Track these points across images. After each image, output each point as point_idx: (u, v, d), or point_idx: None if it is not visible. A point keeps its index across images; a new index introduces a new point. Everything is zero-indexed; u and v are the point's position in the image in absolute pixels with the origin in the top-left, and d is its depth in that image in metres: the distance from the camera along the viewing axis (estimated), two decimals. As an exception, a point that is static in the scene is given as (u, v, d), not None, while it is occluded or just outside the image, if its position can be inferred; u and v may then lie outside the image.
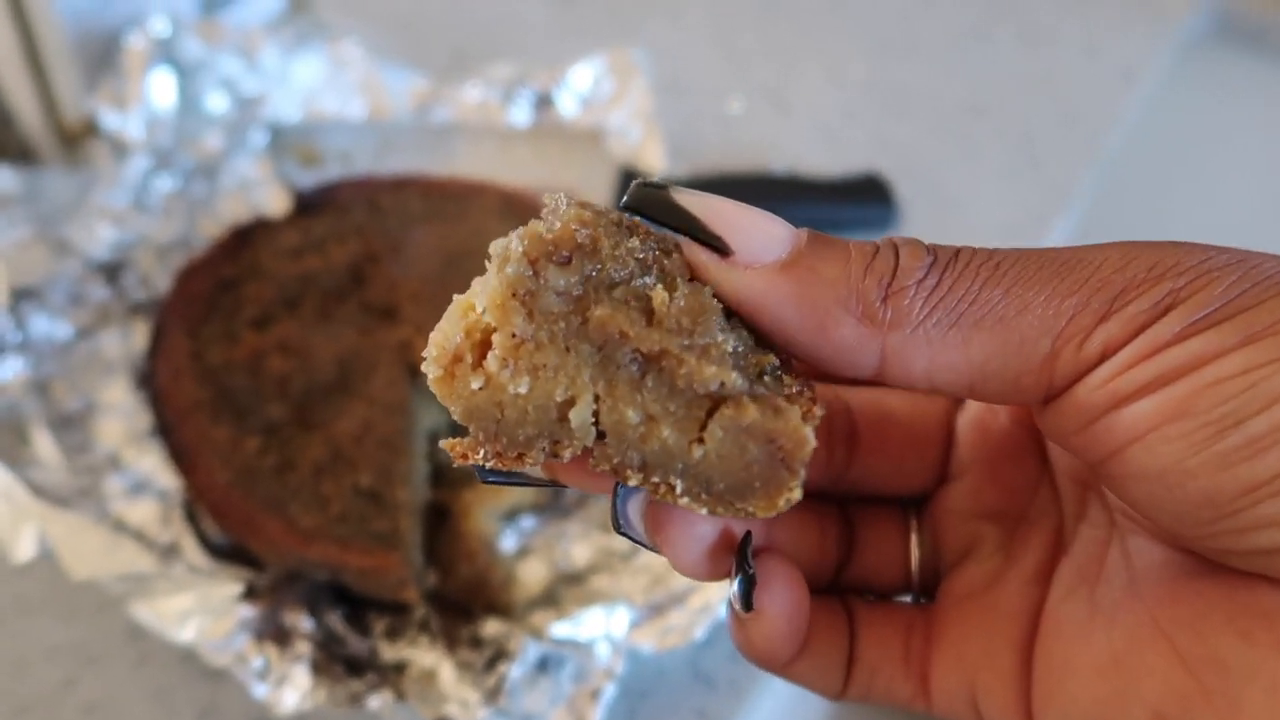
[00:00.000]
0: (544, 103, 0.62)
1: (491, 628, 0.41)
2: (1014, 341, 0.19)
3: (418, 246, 0.49)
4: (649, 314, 0.21)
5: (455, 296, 0.21)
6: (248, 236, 0.48)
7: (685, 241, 0.22)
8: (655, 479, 0.21)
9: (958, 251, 0.21)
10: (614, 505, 0.23)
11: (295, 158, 0.58)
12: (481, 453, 0.21)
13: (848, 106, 0.70)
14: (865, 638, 0.25)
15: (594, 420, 0.21)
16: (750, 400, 0.20)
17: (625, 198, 0.22)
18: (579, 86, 0.61)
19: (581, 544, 0.45)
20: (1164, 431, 0.18)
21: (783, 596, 0.23)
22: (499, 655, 0.40)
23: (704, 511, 0.21)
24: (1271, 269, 0.19)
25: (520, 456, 0.21)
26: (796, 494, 0.21)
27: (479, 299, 0.21)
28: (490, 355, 0.20)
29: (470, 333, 0.21)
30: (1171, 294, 0.19)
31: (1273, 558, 0.19)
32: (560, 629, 0.39)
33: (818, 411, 0.21)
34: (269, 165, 0.57)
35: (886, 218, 0.59)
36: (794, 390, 0.21)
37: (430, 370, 0.21)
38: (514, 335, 0.20)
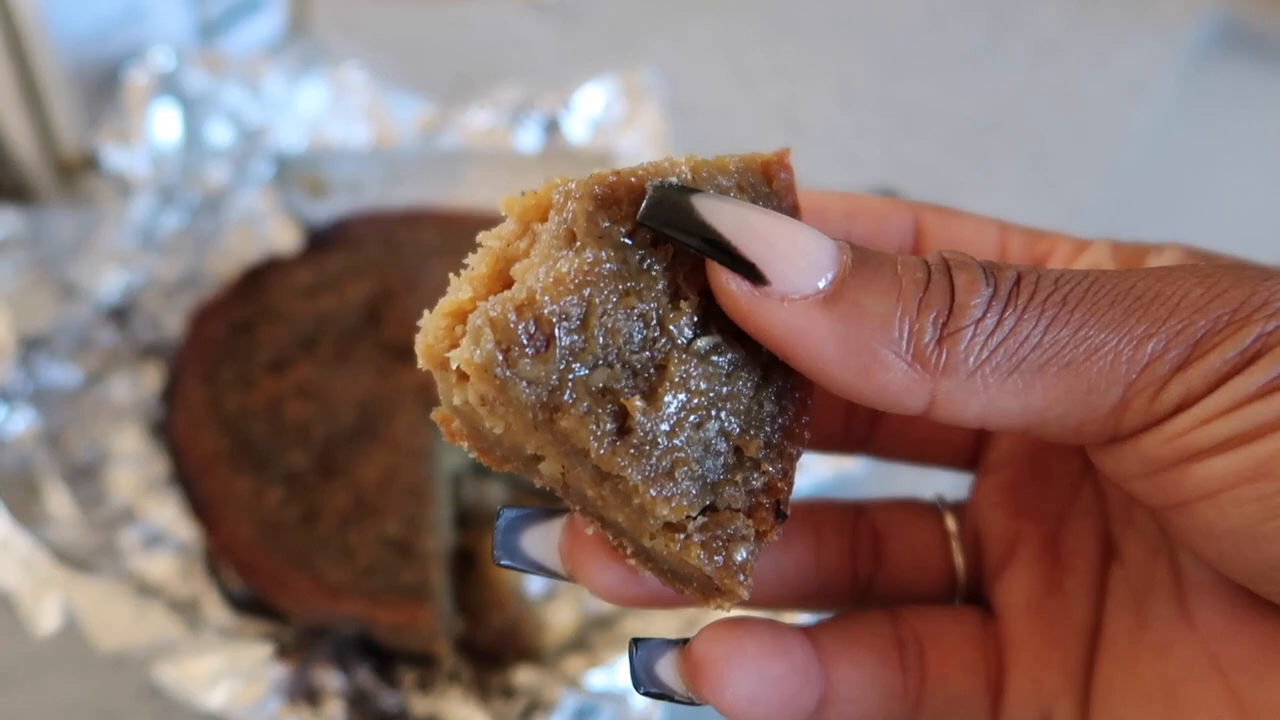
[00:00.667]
0: (553, 126, 0.61)
1: (524, 676, 0.40)
2: (1080, 389, 0.18)
3: (434, 282, 0.48)
4: (624, 418, 0.19)
5: (451, 278, 0.20)
6: (260, 276, 0.47)
7: (711, 264, 0.19)
8: (609, 534, 0.21)
9: (1019, 278, 0.19)
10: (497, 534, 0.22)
11: (302, 188, 0.57)
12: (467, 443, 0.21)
13: (859, 125, 0.69)
14: (936, 652, 0.23)
15: (561, 473, 0.20)
16: (697, 544, 0.19)
17: (643, 206, 0.19)
18: (589, 109, 0.60)
19: (611, 587, 0.44)
20: (1239, 492, 0.17)
21: (736, 679, 0.20)
22: (534, 706, 0.39)
23: (646, 574, 0.21)
24: None
25: (501, 462, 0.21)
26: (730, 609, 0.20)
27: (463, 291, 0.19)
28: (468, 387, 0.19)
29: (452, 343, 0.19)
30: (1260, 339, 0.17)
31: None
32: (596, 678, 0.39)
33: (775, 534, 0.20)
34: (275, 197, 0.56)
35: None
36: (766, 483, 0.20)
37: (420, 361, 0.20)
38: (482, 398, 0.19)
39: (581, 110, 0.60)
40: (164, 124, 0.52)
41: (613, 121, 0.60)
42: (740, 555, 0.19)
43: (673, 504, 0.19)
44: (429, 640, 0.38)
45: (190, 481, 0.40)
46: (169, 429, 0.42)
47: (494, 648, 0.41)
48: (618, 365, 0.19)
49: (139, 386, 0.46)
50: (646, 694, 0.21)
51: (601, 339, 0.19)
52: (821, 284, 0.18)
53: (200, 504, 0.40)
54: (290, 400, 0.43)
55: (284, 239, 0.54)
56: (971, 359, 0.18)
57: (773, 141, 0.73)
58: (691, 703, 0.21)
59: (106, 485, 0.43)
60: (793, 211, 0.22)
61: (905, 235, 0.24)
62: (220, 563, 0.40)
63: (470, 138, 0.60)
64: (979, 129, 0.69)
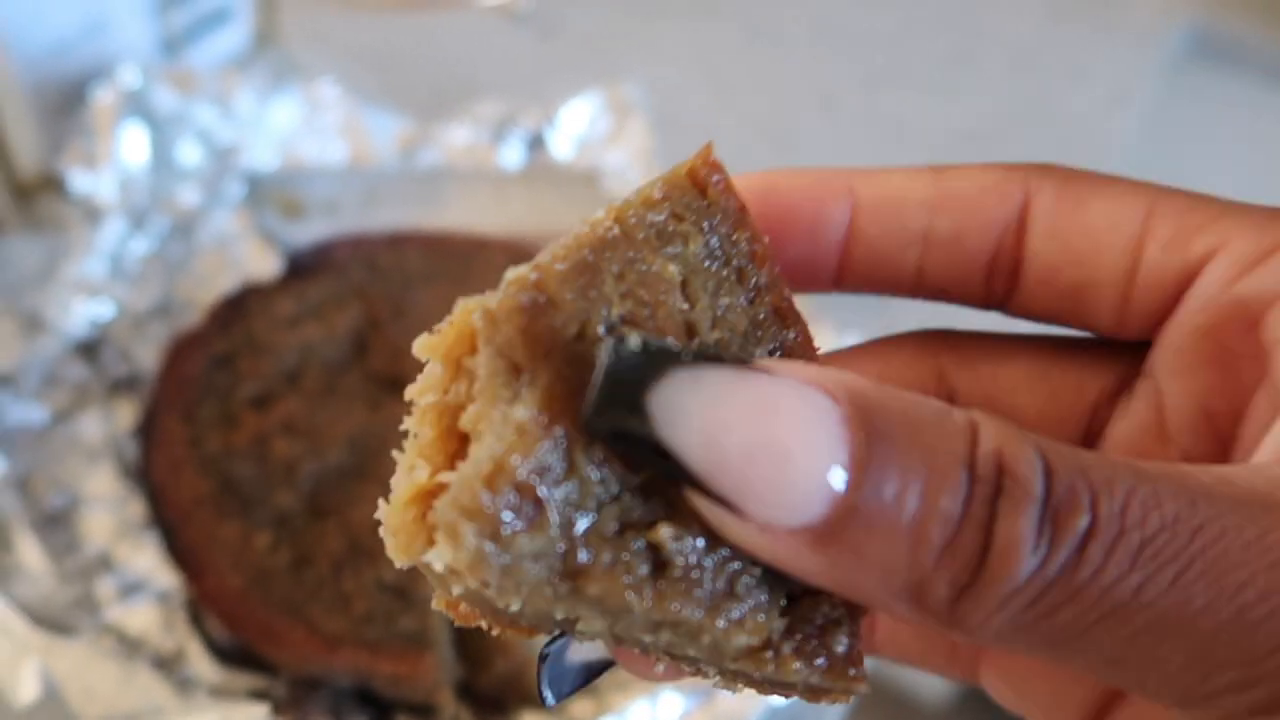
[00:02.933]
0: (536, 143, 0.59)
1: (529, 723, 0.39)
2: (1190, 657, 0.14)
3: (421, 309, 0.46)
4: (656, 552, 0.16)
5: (396, 456, 0.17)
6: (240, 305, 0.45)
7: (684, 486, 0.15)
8: (684, 666, 0.18)
9: (1091, 530, 0.14)
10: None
11: (277, 209, 0.55)
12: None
13: (843, 136, 0.68)
14: None
15: (609, 628, 0.16)
16: (789, 655, 0.16)
17: (588, 401, 0.15)
18: (573, 125, 0.59)
19: (616, 624, 0.42)
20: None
21: None
22: (542, 757, 0.37)
23: (739, 688, 0.18)
24: None
25: (533, 630, 0.18)
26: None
27: (418, 469, 0.16)
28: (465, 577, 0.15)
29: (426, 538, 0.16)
30: None
31: None
32: (606, 725, 0.37)
33: (860, 674, 0.17)
34: (249, 219, 0.53)
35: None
36: (830, 619, 0.17)
37: (397, 562, 0.16)
38: (484, 584, 0.15)
39: (565, 126, 0.59)
40: (131, 144, 0.49)
41: (598, 137, 0.58)
42: (841, 646, 0.17)
43: (748, 627, 0.16)
44: (431, 690, 0.37)
45: (171, 528, 0.38)
46: (147, 471, 0.40)
47: (497, 693, 0.40)
48: (625, 495, 0.16)
49: (111, 424, 0.44)
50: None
51: (595, 475, 0.16)
52: (812, 517, 0.14)
53: (183, 552, 0.38)
54: (276, 438, 0.41)
55: (260, 263, 0.52)
56: (998, 624, 0.14)
57: (758, 155, 0.73)
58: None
59: (79, 531, 0.40)
60: (738, 216, 0.18)
61: (1004, 228, 0.19)
62: (205, 612, 0.38)
63: (451, 155, 0.58)
64: (963, 140, 0.69)
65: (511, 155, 0.59)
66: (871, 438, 0.14)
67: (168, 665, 0.36)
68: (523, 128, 0.59)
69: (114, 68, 0.51)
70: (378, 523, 0.17)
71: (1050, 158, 0.21)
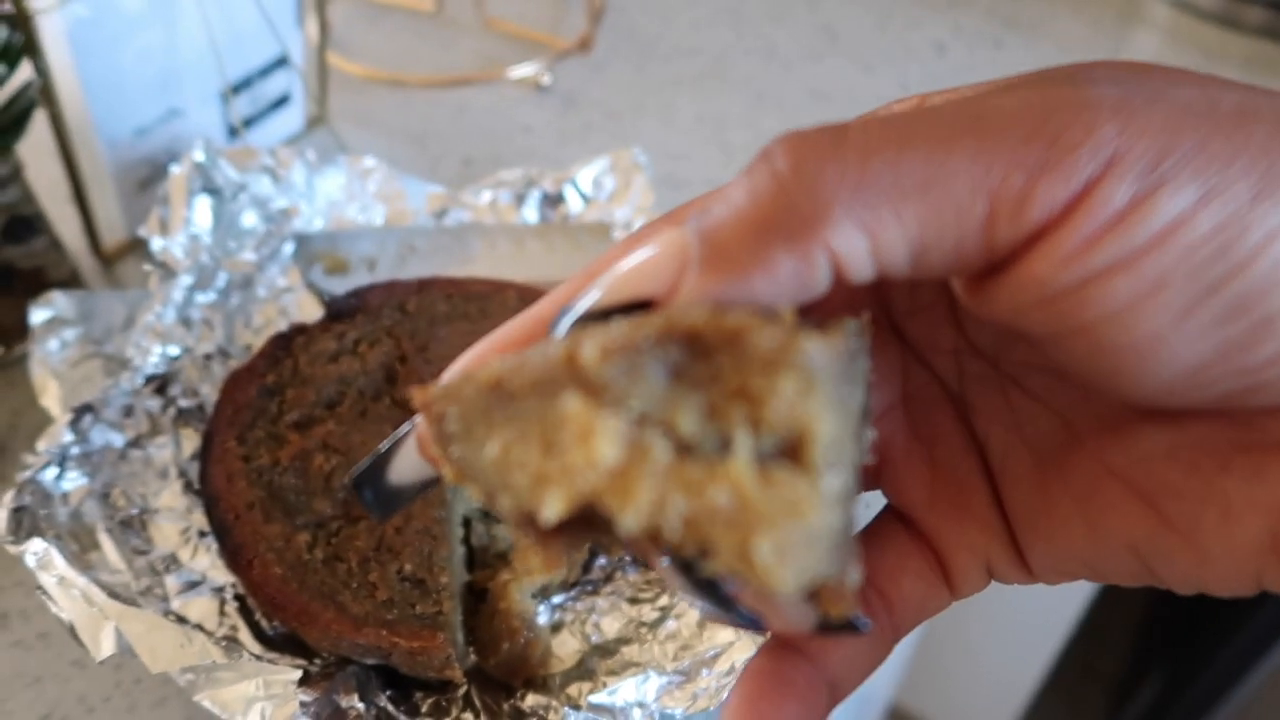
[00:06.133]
0: (553, 201, 0.66)
1: (531, 700, 0.44)
2: (947, 208, 0.17)
3: (443, 345, 0.53)
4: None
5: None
6: (287, 344, 0.52)
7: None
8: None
9: (848, 125, 0.18)
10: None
11: (323, 266, 0.62)
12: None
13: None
14: (888, 582, 0.23)
15: None
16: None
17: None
18: (584, 185, 0.66)
19: (611, 616, 0.47)
20: (1140, 307, 0.17)
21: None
22: (540, 727, 0.42)
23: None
24: (1188, 98, 0.17)
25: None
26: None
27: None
28: None
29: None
30: (1112, 145, 0.17)
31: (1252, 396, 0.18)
32: (596, 699, 0.42)
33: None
34: (299, 275, 0.61)
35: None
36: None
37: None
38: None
39: (578, 186, 0.66)
40: (199, 213, 0.57)
41: (605, 196, 0.65)
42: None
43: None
44: (444, 666, 0.42)
45: (225, 528, 0.45)
46: (205, 482, 0.46)
47: (504, 676, 0.45)
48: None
49: (178, 448, 0.51)
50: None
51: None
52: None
53: (234, 548, 0.44)
54: (316, 454, 0.48)
55: (308, 313, 0.60)
56: (841, 192, 0.17)
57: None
58: None
59: (150, 536, 0.47)
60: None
61: None
62: (252, 602, 0.44)
63: (478, 214, 0.66)
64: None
65: (530, 213, 0.66)
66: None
67: (225, 646, 0.42)
68: (539, 188, 0.66)
69: (186, 149, 0.60)
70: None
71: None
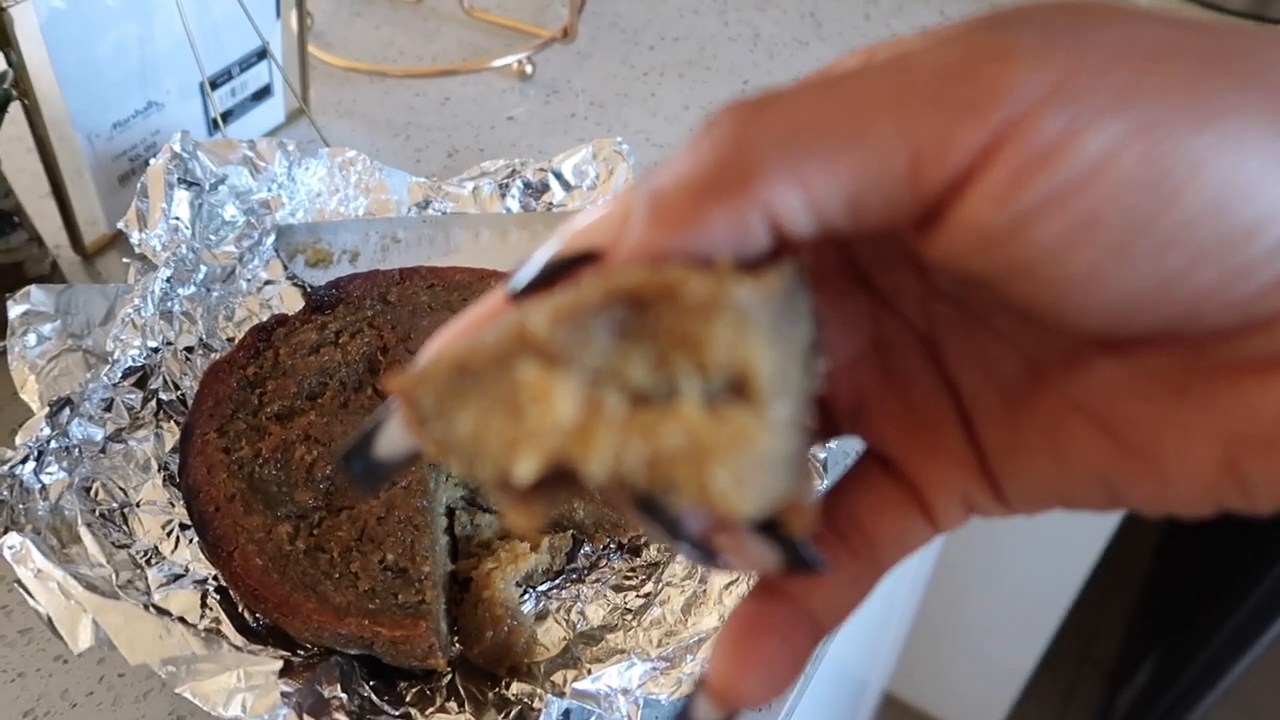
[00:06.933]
0: (536, 191, 0.66)
1: (516, 688, 0.44)
2: (875, 158, 0.18)
3: (425, 335, 0.53)
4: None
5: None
6: (268, 336, 0.52)
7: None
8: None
9: (784, 88, 0.19)
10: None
11: (305, 258, 0.62)
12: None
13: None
14: (870, 518, 0.24)
15: None
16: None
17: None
18: (567, 174, 0.65)
19: (595, 604, 0.47)
20: (1076, 244, 0.17)
21: (752, 684, 0.22)
22: (525, 713, 0.42)
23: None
24: (1112, 37, 0.18)
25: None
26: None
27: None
28: None
29: None
30: (1033, 86, 0.17)
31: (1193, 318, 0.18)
32: (580, 686, 0.42)
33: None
34: (280, 268, 0.61)
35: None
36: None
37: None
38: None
39: (561, 175, 0.65)
40: (178, 205, 0.57)
41: (588, 184, 0.65)
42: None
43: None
44: (427, 655, 0.42)
45: (205, 520, 0.44)
46: (185, 474, 0.46)
47: (489, 665, 0.45)
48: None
49: (159, 441, 0.51)
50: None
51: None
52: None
53: (214, 540, 0.44)
54: (297, 445, 0.47)
55: (290, 306, 0.59)
56: (769, 149, 0.18)
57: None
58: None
59: (131, 529, 0.47)
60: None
61: None
62: (235, 594, 0.44)
63: (460, 204, 0.65)
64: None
65: (513, 202, 0.65)
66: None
67: (205, 638, 0.42)
68: (522, 178, 0.65)
69: (166, 143, 0.59)
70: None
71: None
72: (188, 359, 0.54)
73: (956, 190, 0.18)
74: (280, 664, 0.39)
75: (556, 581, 0.48)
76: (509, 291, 0.20)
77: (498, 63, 0.81)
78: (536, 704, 0.43)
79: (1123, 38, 0.18)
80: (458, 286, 0.55)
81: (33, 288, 0.52)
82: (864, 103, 0.18)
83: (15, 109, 0.57)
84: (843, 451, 0.52)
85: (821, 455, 0.49)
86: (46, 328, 0.52)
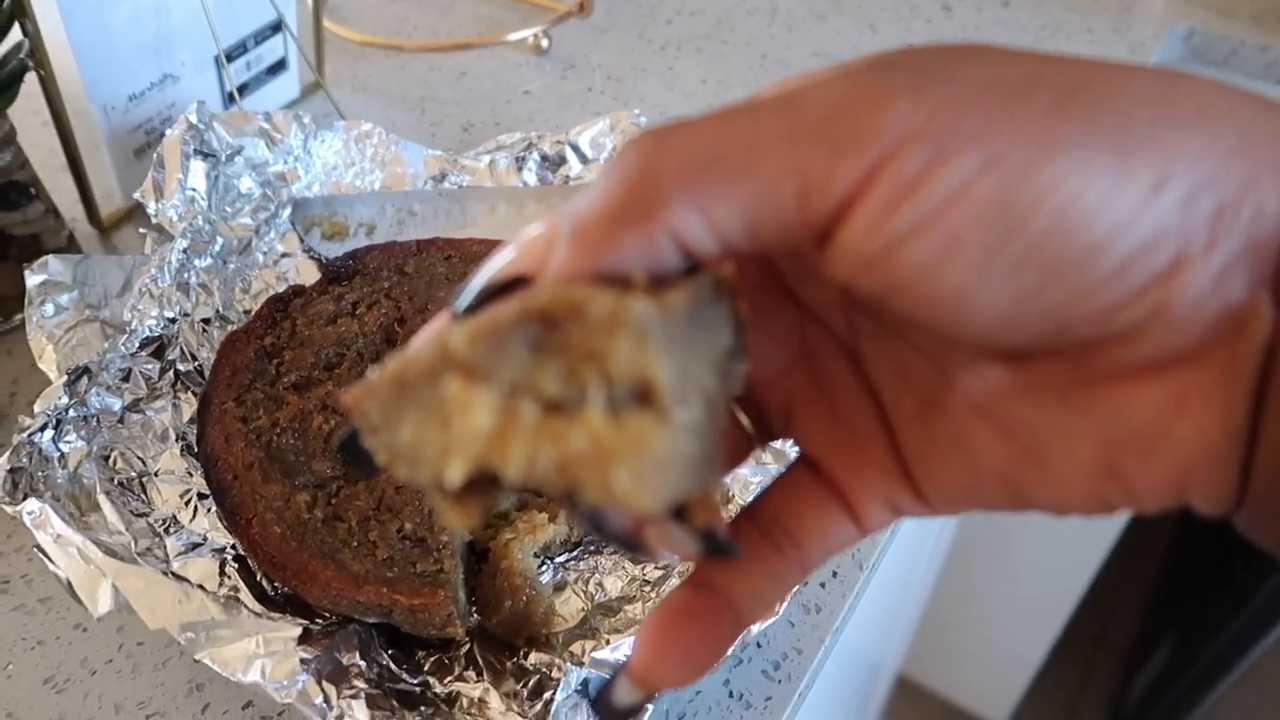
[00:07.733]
0: (552, 164, 0.65)
1: (534, 658, 0.44)
2: (767, 187, 0.19)
3: (442, 306, 0.52)
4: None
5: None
6: (285, 307, 0.52)
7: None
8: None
9: (691, 119, 0.20)
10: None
11: (321, 231, 0.62)
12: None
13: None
14: (794, 518, 0.25)
15: None
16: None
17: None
18: (584, 147, 0.65)
19: (613, 575, 0.47)
20: (942, 264, 0.19)
21: (672, 668, 0.24)
22: (543, 683, 0.42)
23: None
24: (978, 75, 0.20)
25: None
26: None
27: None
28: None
29: None
30: (902, 124, 0.19)
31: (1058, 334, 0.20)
32: (599, 655, 0.42)
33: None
34: (296, 240, 0.60)
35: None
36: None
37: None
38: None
39: (578, 147, 0.65)
40: (194, 176, 0.57)
41: (605, 156, 0.64)
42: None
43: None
44: (445, 624, 0.42)
45: (223, 488, 0.44)
46: (203, 442, 0.46)
47: (507, 635, 0.45)
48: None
49: (177, 412, 0.51)
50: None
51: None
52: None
53: (233, 508, 0.44)
54: (315, 415, 0.47)
55: (307, 278, 0.59)
56: (673, 180, 0.19)
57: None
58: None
59: (150, 498, 0.47)
60: None
61: None
62: (253, 561, 0.44)
63: (477, 178, 0.65)
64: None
65: (530, 175, 0.65)
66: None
67: (224, 604, 0.42)
68: (539, 151, 0.65)
69: (181, 114, 0.59)
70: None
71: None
72: (204, 330, 0.54)
73: (839, 217, 0.20)
74: (299, 630, 0.39)
75: (575, 553, 0.48)
76: (453, 311, 0.22)
77: (513, 37, 0.80)
78: (555, 674, 0.42)
79: (988, 77, 0.20)
80: (475, 258, 0.55)
81: (50, 257, 0.52)
82: (758, 136, 0.20)
83: (31, 81, 0.56)
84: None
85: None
86: (64, 298, 0.52)
